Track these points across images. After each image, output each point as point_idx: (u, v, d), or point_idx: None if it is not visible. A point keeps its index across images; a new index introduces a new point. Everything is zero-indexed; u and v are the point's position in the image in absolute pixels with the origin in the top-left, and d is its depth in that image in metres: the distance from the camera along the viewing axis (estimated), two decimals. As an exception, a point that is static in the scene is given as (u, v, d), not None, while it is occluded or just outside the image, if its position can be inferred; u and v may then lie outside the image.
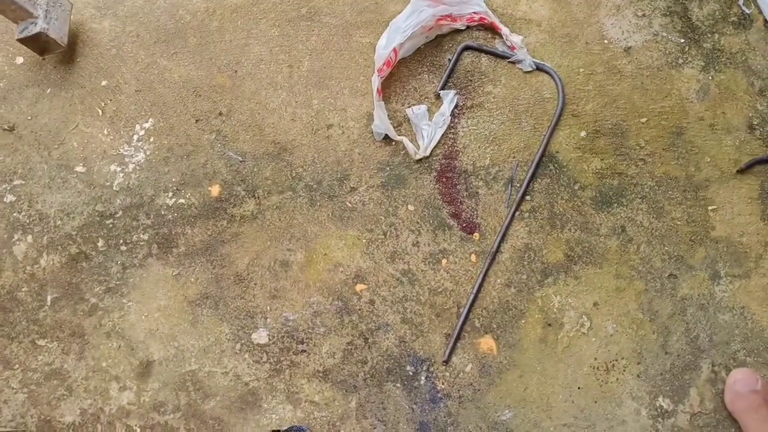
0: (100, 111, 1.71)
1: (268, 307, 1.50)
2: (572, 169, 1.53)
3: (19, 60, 1.79)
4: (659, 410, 1.35)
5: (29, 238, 1.63)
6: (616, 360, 1.39)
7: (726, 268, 1.44)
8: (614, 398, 1.36)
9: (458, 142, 1.57)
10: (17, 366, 1.54)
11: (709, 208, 1.49)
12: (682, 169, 1.52)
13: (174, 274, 1.56)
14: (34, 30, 1.63)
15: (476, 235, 1.49)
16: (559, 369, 1.39)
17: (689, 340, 1.39)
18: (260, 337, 1.49)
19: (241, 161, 1.63)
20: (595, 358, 1.39)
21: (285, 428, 1.41)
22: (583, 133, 1.56)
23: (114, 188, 1.65)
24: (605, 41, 1.65)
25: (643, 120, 1.56)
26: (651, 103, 1.58)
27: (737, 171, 1.51)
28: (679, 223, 1.48)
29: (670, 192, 1.50)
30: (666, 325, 1.40)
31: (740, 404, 1.30)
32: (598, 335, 1.40)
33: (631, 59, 1.63)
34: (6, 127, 1.73)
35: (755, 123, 1.56)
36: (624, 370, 1.38)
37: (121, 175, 1.66)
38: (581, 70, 1.62)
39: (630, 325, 1.41)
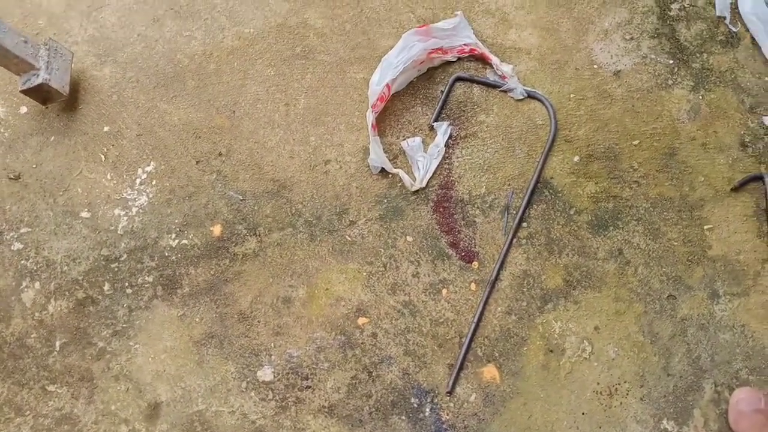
0: (102, 156, 1.74)
1: (272, 344, 1.52)
2: (567, 194, 1.54)
3: (23, 110, 1.83)
4: (665, 433, 1.35)
5: (37, 284, 1.66)
6: (619, 384, 1.39)
7: (725, 287, 1.45)
8: (619, 423, 1.36)
9: (453, 171, 1.59)
10: (28, 412, 1.56)
11: (705, 227, 1.50)
12: (677, 189, 1.53)
13: (179, 314, 1.58)
14: (36, 81, 1.67)
15: (475, 264, 1.51)
16: (562, 395, 1.40)
17: (691, 360, 1.39)
18: (265, 374, 1.50)
19: (241, 200, 1.66)
20: (598, 383, 1.39)
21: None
22: (576, 158, 1.58)
23: (118, 232, 1.68)
24: (595, 66, 1.67)
25: (636, 142, 1.58)
26: (642, 125, 1.60)
27: (731, 189, 1.52)
28: (675, 243, 1.49)
29: (665, 213, 1.51)
30: (667, 347, 1.41)
31: (744, 424, 1.30)
32: (600, 359, 1.41)
33: (621, 83, 1.65)
34: (12, 176, 1.77)
35: (747, 140, 1.57)
36: (627, 394, 1.38)
37: (125, 218, 1.69)
38: (572, 95, 1.64)
39: (631, 348, 1.41)
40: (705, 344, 1.40)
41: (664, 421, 1.36)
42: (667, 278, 1.45)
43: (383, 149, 1.60)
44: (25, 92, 1.69)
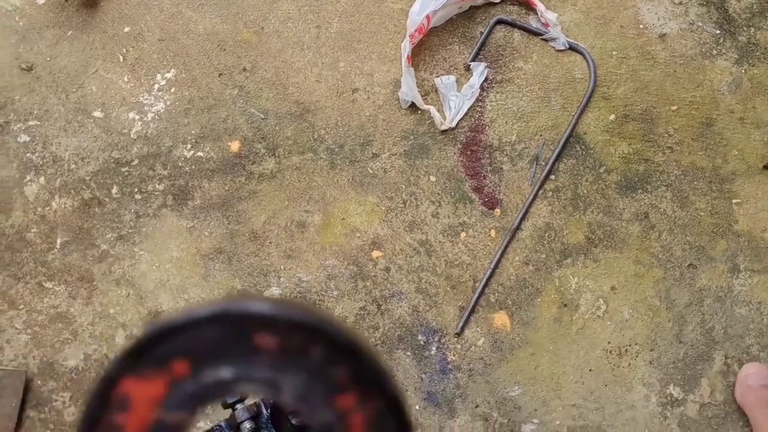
0: (121, 57, 1.67)
1: (282, 267, 1.49)
2: (599, 152, 1.51)
3: (41, 0, 1.75)
4: (669, 398, 1.35)
5: (42, 179, 1.61)
6: (630, 345, 1.38)
7: (746, 263, 1.43)
8: (625, 383, 1.36)
9: (485, 115, 1.55)
10: (22, 306, 1.52)
11: (734, 201, 1.48)
12: (709, 160, 1.51)
13: (188, 226, 1.54)
14: (61, -33, 1.59)
15: (497, 211, 1.48)
16: (571, 350, 1.38)
17: (704, 330, 1.38)
18: (273, 295, 1.47)
19: (263, 119, 1.60)
20: (609, 342, 1.38)
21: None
22: (612, 117, 1.54)
23: (131, 136, 1.62)
24: (640, 26, 1.63)
25: (674, 108, 1.55)
26: (682, 92, 1.56)
27: (764, 166, 1.50)
28: (702, 213, 1.46)
29: (695, 182, 1.49)
30: (682, 315, 1.40)
31: (750, 398, 1.30)
32: (613, 319, 1.39)
33: (665, 46, 1.61)
34: (24, 67, 1.69)
35: (785, 120, 1.54)
36: (637, 356, 1.37)
37: (140, 123, 1.63)
38: (614, 53, 1.60)
39: (646, 311, 1.40)
40: (720, 316, 1.39)
41: (671, 387, 1.35)
42: (690, 247, 1.44)
43: (416, 83, 1.55)
44: (48, -23, 1.61)
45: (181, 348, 0.26)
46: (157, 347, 0.26)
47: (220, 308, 0.27)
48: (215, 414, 1.41)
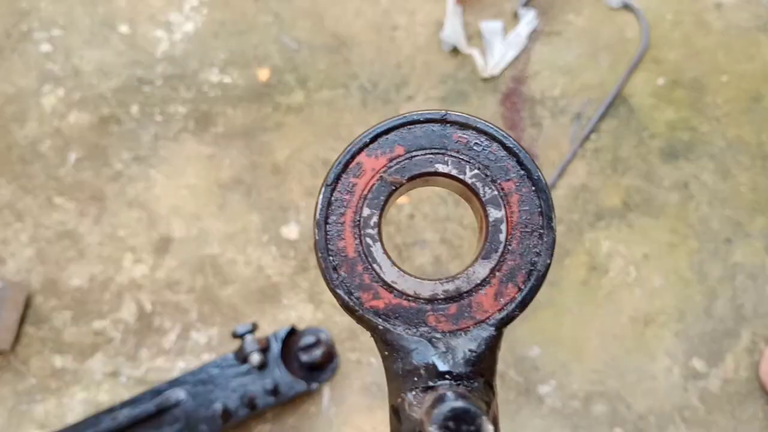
0: (153, -28, 1.60)
1: (303, 204, 1.43)
2: (644, 116, 1.45)
3: None
4: (692, 371, 1.31)
5: (61, 91, 1.54)
6: (657, 315, 1.33)
7: (784, 243, 1.38)
8: (649, 352, 1.31)
9: (530, 67, 1.48)
10: (29, 220, 1.46)
11: (777, 179, 1.43)
12: (755, 135, 1.45)
13: (208, 153, 1.48)
14: None
15: (533, 166, 1.42)
16: (596, 314, 1.34)
17: (734, 306, 1.34)
18: (291, 231, 1.42)
19: (295, 49, 1.54)
20: (636, 310, 1.33)
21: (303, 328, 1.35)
22: (661, 81, 1.48)
23: (157, 55, 1.56)
24: (696, -8, 1.56)
25: (724, 79, 1.49)
26: (734, 63, 1.50)
27: (811, 148, 1.44)
28: (743, 188, 1.41)
29: (739, 156, 1.43)
30: (713, 289, 1.35)
31: (776, 379, 1.26)
32: (643, 287, 1.35)
33: (720, 15, 1.54)
34: (50, -27, 1.62)
35: (838, 102, 1.48)
36: (663, 326, 1.33)
37: (167, 42, 1.56)
38: (669, 16, 1.53)
39: (677, 282, 1.35)
40: (751, 293, 1.34)
41: (695, 360, 1.31)
42: (728, 221, 1.38)
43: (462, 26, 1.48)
44: None
45: (401, 138, 0.37)
46: (384, 136, 0.37)
47: (429, 114, 0.37)
48: (223, 348, 1.36)
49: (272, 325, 1.36)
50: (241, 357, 1.26)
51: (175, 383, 1.26)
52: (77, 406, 1.34)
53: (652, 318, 1.33)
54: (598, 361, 1.31)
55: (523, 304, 0.36)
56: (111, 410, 1.25)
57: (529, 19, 1.48)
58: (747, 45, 1.52)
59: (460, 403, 0.30)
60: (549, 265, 0.37)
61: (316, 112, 1.49)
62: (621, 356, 1.31)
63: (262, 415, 1.30)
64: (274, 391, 1.24)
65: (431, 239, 1.40)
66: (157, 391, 1.26)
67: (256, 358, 1.24)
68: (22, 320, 1.40)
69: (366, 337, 0.34)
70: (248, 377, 1.26)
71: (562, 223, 1.39)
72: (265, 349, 1.26)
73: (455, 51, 1.48)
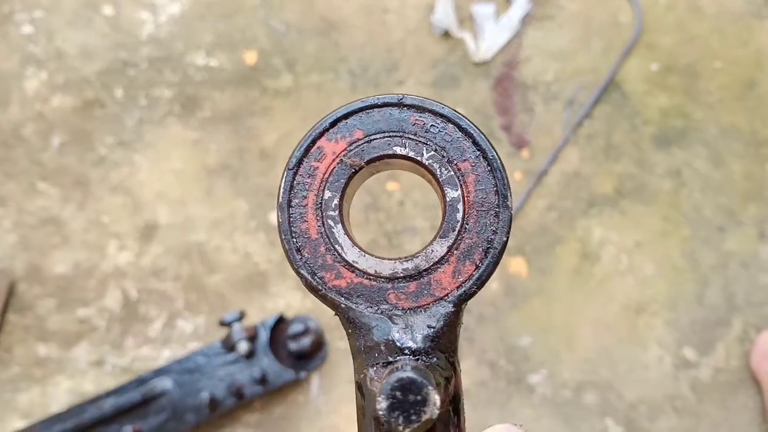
0: (137, -47, 1.56)
1: (292, 190, 1.41)
2: (637, 102, 1.43)
3: None
4: (683, 360, 1.30)
5: (43, 74, 1.50)
6: (649, 303, 1.32)
7: (776, 231, 1.38)
8: (640, 341, 1.30)
9: (522, 51, 1.46)
10: (12, 205, 1.43)
11: (770, 167, 1.41)
12: (749, 122, 1.44)
13: (194, 138, 1.45)
14: None
15: (525, 152, 1.40)
16: (588, 303, 1.33)
17: (726, 295, 1.33)
18: (279, 218, 1.39)
19: (284, 32, 1.50)
20: (628, 298, 1.32)
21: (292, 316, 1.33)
22: (654, 67, 1.46)
23: (142, 38, 1.52)
24: (691, -23, 1.54)
25: (717, 65, 1.47)
26: (728, 49, 1.48)
27: (805, 135, 1.43)
28: (736, 176, 1.40)
29: (732, 143, 1.42)
30: (705, 277, 1.34)
31: (766, 366, 1.25)
32: (635, 275, 1.33)
33: (714, 0, 1.52)
34: (31, -47, 1.57)
35: (831, 89, 1.47)
36: (655, 315, 1.32)
37: (152, 24, 1.53)
38: (662, 1, 1.51)
39: (669, 270, 1.34)
40: (743, 282, 1.33)
41: (686, 348, 1.30)
42: (720, 209, 1.37)
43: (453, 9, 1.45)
44: None
45: (360, 122, 0.38)
46: (343, 120, 0.38)
47: (386, 98, 0.38)
48: (210, 336, 1.34)
49: (260, 313, 1.34)
50: (229, 345, 1.24)
51: (161, 372, 1.24)
52: (62, 395, 1.32)
53: (643, 307, 1.32)
54: (590, 350, 1.30)
55: (480, 281, 0.38)
56: (96, 399, 1.23)
57: (521, 3, 1.45)
58: (740, 31, 1.51)
59: (407, 374, 0.31)
60: (505, 242, 0.37)
61: (304, 96, 1.46)
62: (612, 345, 1.31)
63: (250, 405, 1.28)
64: (262, 380, 1.22)
65: (421, 226, 1.38)
66: (142, 380, 1.24)
67: (243, 346, 1.22)
68: (5, 308, 1.37)
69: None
70: (236, 366, 1.24)
71: (554, 210, 1.37)
72: (252, 338, 1.24)
73: (446, 35, 1.46)
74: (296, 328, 1.26)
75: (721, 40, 1.49)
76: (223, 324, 1.23)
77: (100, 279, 1.38)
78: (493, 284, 1.34)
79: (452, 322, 0.37)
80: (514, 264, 1.35)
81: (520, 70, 1.45)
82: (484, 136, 0.38)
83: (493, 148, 0.38)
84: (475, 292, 0.38)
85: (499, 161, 0.38)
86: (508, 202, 0.37)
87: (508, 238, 0.37)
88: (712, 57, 1.48)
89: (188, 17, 1.52)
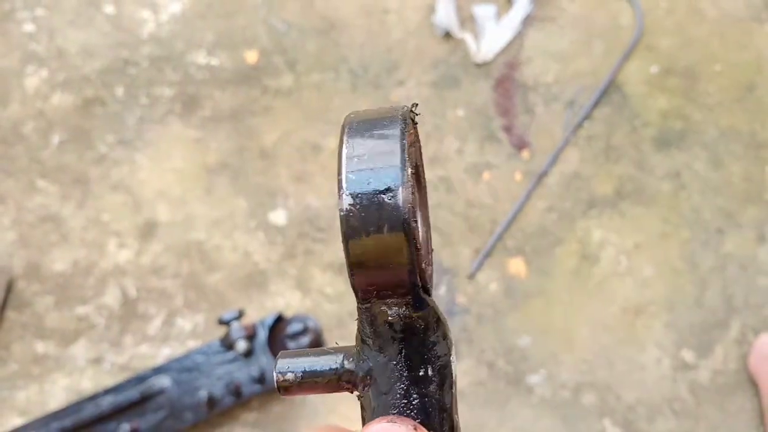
0: (139, -49, 1.56)
1: (291, 189, 1.41)
2: (637, 104, 1.44)
3: None
4: (681, 362, 1.30)
5: (44, 72, 1.50)
6: (648, 305, 1.32)
7: (775, 233, 1.38)
8: (639, 342, 1.31)
9: (523, 52, 1.46)
10: (11, 203, 1.43)
11: (769, 169, 1.42)
12: (748, 124, 1.44)
13: (195, 137, 1.45)
14: None
15: (525, 153, 1.40)
16: (587, 304, 1.33)
17: (725, 297, 1.33)
18: (278, 217, 1.39)
19: (284, 31, 1.51)
20: (627, 300, 1.33)
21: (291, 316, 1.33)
22: (654, 69, 1.46)
23: (143, 36, 1.52)
24: (691, -20, 1.54)
25: (717, 68, 1.47)
26: (728, 52, 1.49)
27: (804, 138, 1.43)
28: (735, 178, 1.40)
29: (732, 145, 1.42)
30: (704, 279, 1.34)
31: (764, 368, 1.26)
32: (634, 277, 1.34)
33: (714, 3, 1.52)
34: (33, -49, 1.58)
35: (831, 93, 1.48)
36: (654, 317, 1.32)
37: (153, 23, 1.53)
38: (663, 4, 1.51)
39: (668, 272, 1.34)
40: (742, 284, 1.34)
41: (684, 350, 1.30)
42: (720, 211, 1.38)
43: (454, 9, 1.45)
44: None
45: None
46: None
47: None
48: (209, 335, 1.34)
49: (259, 312, 1.34)
50: (227, 344, 1.24)
51: (159, 370, 1.24)
52: (59, 392, 1.32)
53: (642, 308, 1.32)
54: (588, 351, 1.30)
55: None
56: (94, 397, 1.23)
57: (522, 4, 1.46)
58: (741, 34, 1.51)
59: None
60: None
61: (305, 95, 1.46)
62: (611, 346, 1.31)
63: (248, 403, 1.28)
64: (261, 379, 1.22)
65: (421, 226, 1.38)
66: (141, 378, 1.24)
67: (242, 345, 1.22)
68: (4, 305, 1.37)
69: (354, 326, 0.32)
70: (234, 365, 1.24)
71: (554, 211, 1.37)
72: (251, 337, 1.24)
73: (448, 35, 1.46)
74: (295, 327, 1.26)
75: (721, 43, 1.50)
76: (222, 323, 1.23)
77: (99, 277, 1.38)
78: (492, 285, 1.34)
79: None
80: (513, 264, 1.35)
81: (521, 71, 1.45)
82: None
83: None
84: None
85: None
86: None
87: None
88: (712, 60, 1.48)
89: (189, 16, 1.52)
